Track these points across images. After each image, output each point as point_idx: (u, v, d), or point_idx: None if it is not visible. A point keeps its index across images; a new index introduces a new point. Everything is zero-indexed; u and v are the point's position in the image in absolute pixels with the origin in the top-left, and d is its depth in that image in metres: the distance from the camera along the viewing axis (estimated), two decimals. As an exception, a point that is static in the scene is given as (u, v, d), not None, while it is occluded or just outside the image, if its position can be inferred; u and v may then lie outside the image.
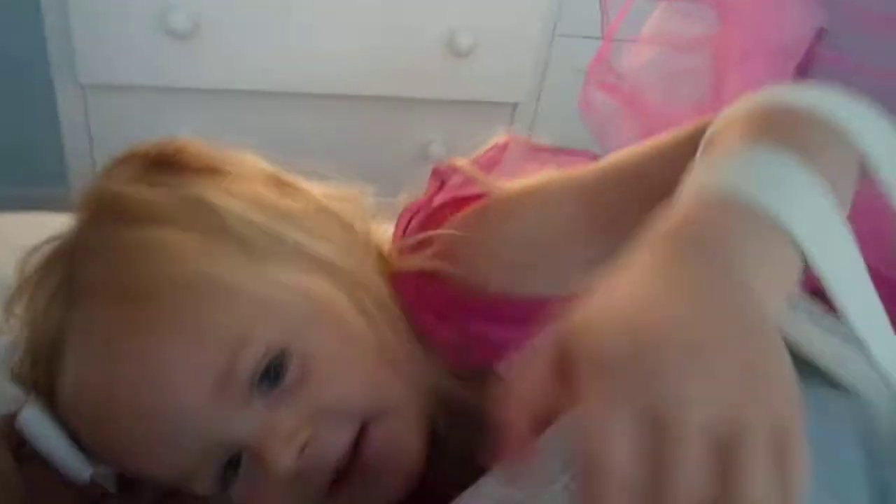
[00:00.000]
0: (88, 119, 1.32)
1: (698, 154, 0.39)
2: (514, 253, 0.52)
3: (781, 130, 0.37)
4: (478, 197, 0.54)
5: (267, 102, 1.42)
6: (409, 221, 0.56)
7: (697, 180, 0.35)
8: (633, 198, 0.46)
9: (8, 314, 0.52)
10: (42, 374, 0.50)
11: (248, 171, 0.54)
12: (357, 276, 0.52)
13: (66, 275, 0.49)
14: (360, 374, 0.49)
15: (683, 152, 0.41)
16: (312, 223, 0.53)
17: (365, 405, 0.49)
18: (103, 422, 0.47)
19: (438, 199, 0.56)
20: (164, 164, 0.53)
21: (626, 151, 0.51)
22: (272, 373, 0.46)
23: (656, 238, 0.32)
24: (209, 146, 0.54)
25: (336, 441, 0.48)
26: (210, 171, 0.52)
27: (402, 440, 0.50)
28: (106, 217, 0.50)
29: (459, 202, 0.55)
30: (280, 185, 0.54)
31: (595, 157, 0.56)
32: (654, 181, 0.43)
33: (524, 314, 0.43)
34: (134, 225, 0.49)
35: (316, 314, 0.49)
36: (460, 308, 0.52)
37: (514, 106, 1.55)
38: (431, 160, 1.52)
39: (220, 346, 0.45)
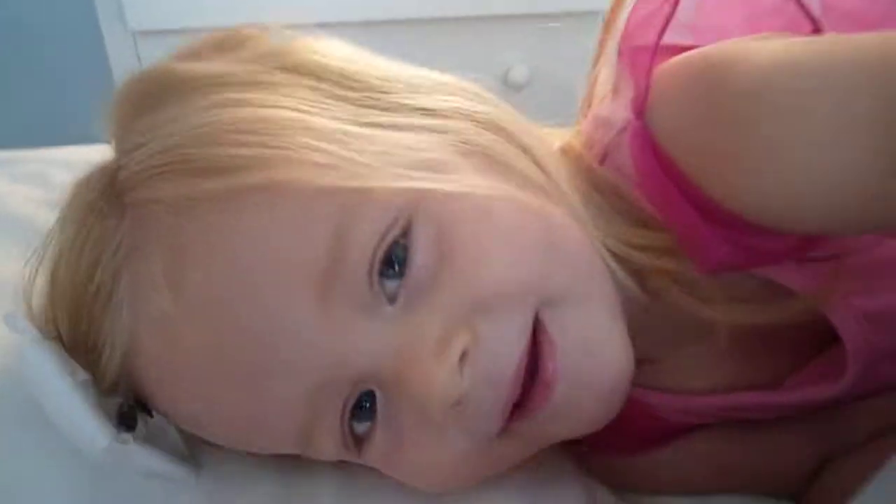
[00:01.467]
0: (141, 66, 1.26)
1: None
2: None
3: None
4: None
5: (331, 34, 1.31)
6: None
7: None
8: None
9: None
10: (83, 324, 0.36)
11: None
12: (504, 132, 0.39)
13: (108, 174, 0.37)
14: (522, 240, 0.35)
15: None
16: (428, 77, 0.41)
17: (534, 281, 0.34)
18: (174, 379, 0.35)
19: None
20: (223, 46, 0.42)
21: None
22: (397, 260, 0.33)
23: None
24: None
25: (506, 340, 0.34)
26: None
27: (592, 331, 0.36)
28: (148, 98, 0.38)
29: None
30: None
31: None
32: None
33: None
34: (188, 94, 0.37)
35: (446, 168, 0.35)
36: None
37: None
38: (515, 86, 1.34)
39: (322, 229, 0.32)
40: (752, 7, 0.42)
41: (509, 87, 1.37)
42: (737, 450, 0.48)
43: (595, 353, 0.36)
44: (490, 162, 0.38)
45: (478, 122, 0.39)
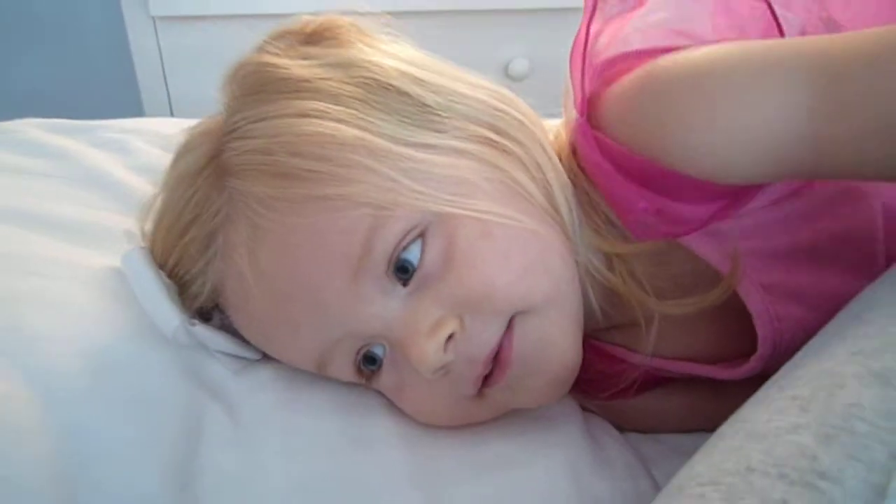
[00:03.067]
0: (161, 51, 1.32)
1: None
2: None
3: None
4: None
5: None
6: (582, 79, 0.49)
7: None
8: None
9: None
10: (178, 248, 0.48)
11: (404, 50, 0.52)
12: (523, 147, 0.49)
13: (214, 149, 0.48)
14: (510, 261, 0.44)
15: None
16: (473, 97, 0.49)
17: (514, 297, 0.44)
18: (247, 300, 0.46)
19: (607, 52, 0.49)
20: (319, 39, 0.52)
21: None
22: (412, 257, 0.44)
23: None
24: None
25: (483, 335, 0.44)
26: (365, 41, 0.51)
27: (555, 339, 0.46)
28: (252, 90, 0.48)
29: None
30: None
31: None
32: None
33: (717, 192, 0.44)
34: (282, 96, 0.47)
35: (464, 191, 0.45)
36: (660, 178, 0.45)
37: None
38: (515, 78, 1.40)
39: (359, 229, 0.43)
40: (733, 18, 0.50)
41: (510, 79, 1.42)
42: (711, 392, 0.56)
43: (547, 349, 0.46)
44: (506, 189, 0.47)
45: (506, 151, 0.48)
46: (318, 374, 0.49)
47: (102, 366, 0.45)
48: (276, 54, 0.50)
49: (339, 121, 0.45)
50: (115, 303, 0.49)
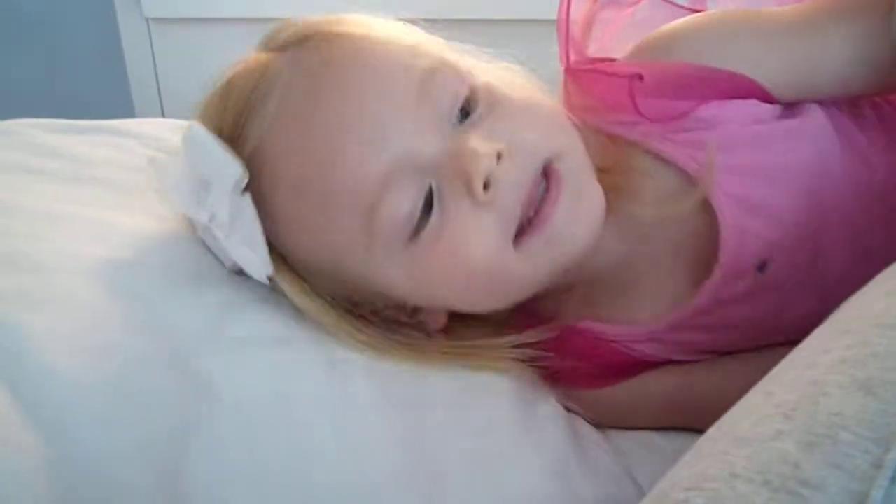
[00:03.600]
0: (154, 53, 1.32)
1: None
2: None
3: None
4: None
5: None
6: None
7: None
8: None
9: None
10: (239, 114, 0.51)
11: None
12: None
13: (266, 43, 0.54)
14: (539, 112, 0.52)
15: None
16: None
17: (546, 136, 0.51)
18: (317, 106, 0.49)
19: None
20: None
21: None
22: (463, 111, 0.50)
23: None
24: None
25: (526, 163, 0.49)
26: None
27: (583, 176, 0.52)
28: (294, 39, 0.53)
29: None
30: None
31: None
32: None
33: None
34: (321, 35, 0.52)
35: (499, 68, 0.55)
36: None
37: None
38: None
39: (420, 64, 0.50)
40: None
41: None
42: (684, 382, 0.58)
43: (583, 198, 0.51)
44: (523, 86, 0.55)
45: (515, 71, 0.57)
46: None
47: (99, 362, 0.45)
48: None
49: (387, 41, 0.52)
50: (117, 298, 0.49)
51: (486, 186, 0.47)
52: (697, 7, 0.61)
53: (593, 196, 0.52)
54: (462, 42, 0.57)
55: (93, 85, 1.42)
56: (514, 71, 0.57)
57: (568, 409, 0.58)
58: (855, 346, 0.32)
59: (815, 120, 0.55)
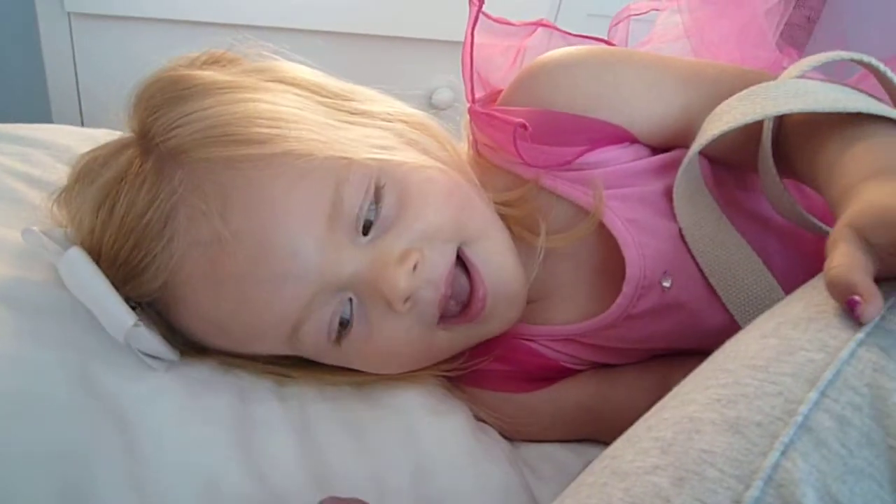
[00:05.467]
0: (74, 50, 1.28)
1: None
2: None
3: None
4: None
5: (257, 36, 1.35)
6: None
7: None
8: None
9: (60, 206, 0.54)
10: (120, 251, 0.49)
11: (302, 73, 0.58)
12: (433, 137, 0.58)
13: (144, 148, 0.50)
14: (450, 202, 0.53)
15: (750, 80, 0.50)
16: (387, 108, 0.58)
17: (459, 224, 0.52)
18: (218, 267, 0.47)
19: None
20: (215, 63, 0.56)
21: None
22: (373, 211, 0.50)
23: None
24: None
25: (441, 259, 0.51)
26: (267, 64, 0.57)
27: (499, 258, 0.54)
28: (175, 94, 0.50)
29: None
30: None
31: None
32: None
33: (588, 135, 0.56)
34: (210, 94, 0.50)
35: (400, 146, 0.54)
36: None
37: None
38: (438, 107, 1.42)
39: (325, 184, 0.48)
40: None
41: (433, 108, 1.44)
42: (601, 393, 0.60)
43: (505, 273, 0.54)
44: (420, 148, 0.56)
45: (410, 123, 0.58)
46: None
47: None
48: (188, 69, 0.51)
49: (273, 102, 0.50)
50: (9, 310, 0.48)
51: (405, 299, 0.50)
52: (590, 36, 0.65)
53: (511, 272, 0.55)
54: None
55: (7, 81, 1.37)
56: (416, 128, 0.58)
57: (477, 418, 0.60)
58: (729, 385, 0.34)
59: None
